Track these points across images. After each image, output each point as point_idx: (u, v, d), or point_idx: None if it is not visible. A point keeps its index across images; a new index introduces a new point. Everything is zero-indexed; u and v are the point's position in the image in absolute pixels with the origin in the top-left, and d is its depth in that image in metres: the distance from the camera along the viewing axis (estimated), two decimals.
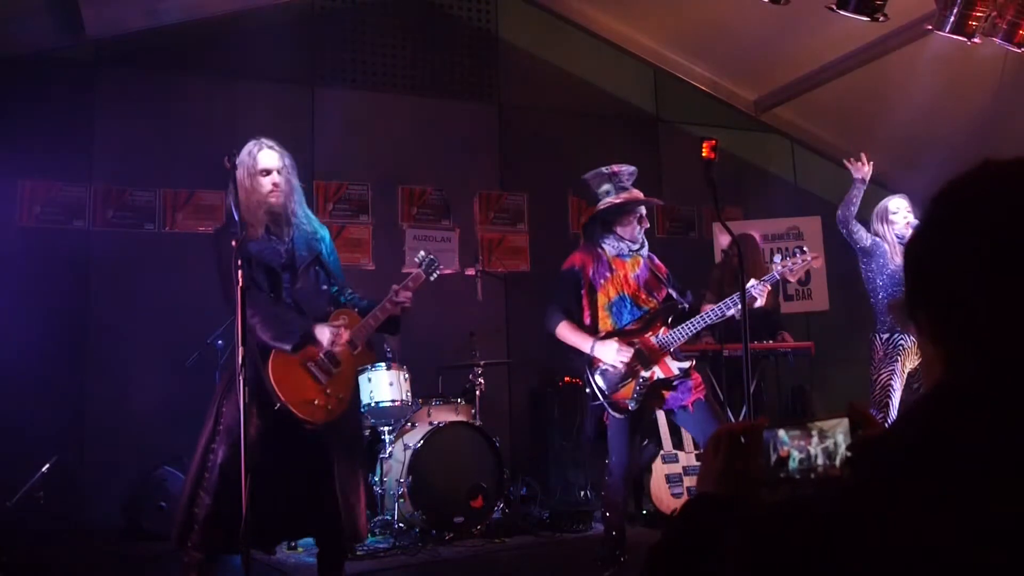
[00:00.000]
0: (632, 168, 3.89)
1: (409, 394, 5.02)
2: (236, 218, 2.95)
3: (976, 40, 4.80)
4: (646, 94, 7.38)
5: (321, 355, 3.21)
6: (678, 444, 5.19)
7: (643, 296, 3.83)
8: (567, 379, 5.99)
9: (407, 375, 5.06)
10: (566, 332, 3.76)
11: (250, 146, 3.28)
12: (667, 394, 3.76)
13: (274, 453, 3.10)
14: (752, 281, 3.62)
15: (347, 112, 6.31)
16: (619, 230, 3.84)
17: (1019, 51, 4.90)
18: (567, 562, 4.52)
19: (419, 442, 4.80)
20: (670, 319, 3.74)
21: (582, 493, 5.74)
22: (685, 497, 5.07)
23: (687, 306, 3.81)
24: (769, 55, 6.66)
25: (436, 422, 4.98)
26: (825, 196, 7.61)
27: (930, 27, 4.92)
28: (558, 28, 7.04)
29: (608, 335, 3.73)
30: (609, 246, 3.85)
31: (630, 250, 3.85)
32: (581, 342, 3.72)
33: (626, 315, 3.79)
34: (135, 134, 5.77)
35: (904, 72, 6.14)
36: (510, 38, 6.95)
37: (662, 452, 5.13)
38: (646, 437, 5.12)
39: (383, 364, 4.98)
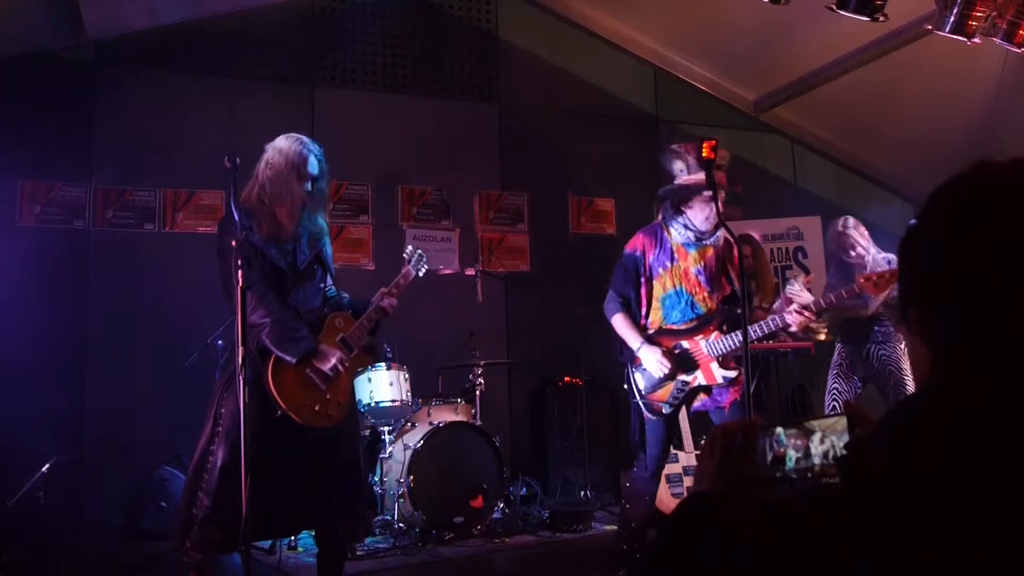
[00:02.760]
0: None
1: (409, 394, 5.03)
2: (236, 218, 2.94)
3: (976, 40, 4.79)
4: (646, 94, 7.37)
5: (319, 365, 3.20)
6: (678, 444, 5.18)
7: (702, 295, 3.67)
8: (567, 379, 5.98)
9: (407, 375, 5.07)
10: (620, 325, 3.74)
11: (300, 145, 3.28)
12: (704, 396, 3.71)
13: (273, 454, 3.09)
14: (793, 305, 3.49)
15: (347, 112, 6.32)
16: (689, 213, 3.65)
17: (1019, 51, 4.89)
18: (567, 562, 4.52)
19: (419, 442, 4.80)
20: (725, 325, 3.61)
21: (582, 493, 5.73)
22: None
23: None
24: (769, 55, 6.65)
25: (436, 422, 4.98)
26: (825, 196, 7.61)
27: (930, 27, 4.92)
28: (558, 28, 7.03)
29: (657, 332, 3.68)
30: (676, 231, 3.69)
31: (698, 239, 3.66)
32: (632, 339, 3.69)
33: (677, 313, 3.68)
34: (135, 134, 5.77)
35: (904, 72, 6.13)
36: (510, 38, 6.95)
37: None
38: None
39: (383, 364, 4.99)
